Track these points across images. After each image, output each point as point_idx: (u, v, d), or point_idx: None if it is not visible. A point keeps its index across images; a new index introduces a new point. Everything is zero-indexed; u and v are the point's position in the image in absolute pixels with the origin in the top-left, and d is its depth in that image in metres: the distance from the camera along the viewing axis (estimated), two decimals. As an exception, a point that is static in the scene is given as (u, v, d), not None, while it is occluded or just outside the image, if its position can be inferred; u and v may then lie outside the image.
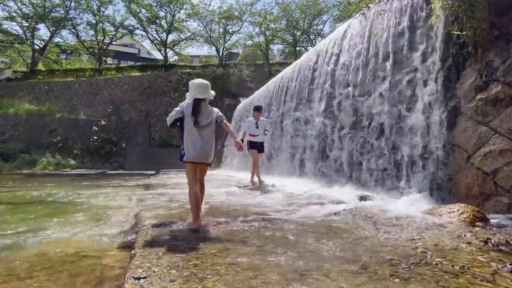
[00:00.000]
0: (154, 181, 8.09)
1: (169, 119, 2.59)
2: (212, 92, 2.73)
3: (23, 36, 22.06)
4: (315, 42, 29.49)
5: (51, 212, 3.72)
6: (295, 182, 5.56)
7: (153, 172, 13.87)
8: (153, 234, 2.18)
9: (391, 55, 4.18)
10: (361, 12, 3.23)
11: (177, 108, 2.59)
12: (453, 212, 2.44)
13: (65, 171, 12.85)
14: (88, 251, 2.07)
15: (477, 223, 2.26)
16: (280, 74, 8.76)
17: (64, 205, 4.26)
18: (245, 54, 31.37)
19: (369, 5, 3.21)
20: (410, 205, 3.10)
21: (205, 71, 23.00)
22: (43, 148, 15.94)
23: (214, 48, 27.51)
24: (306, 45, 30.19)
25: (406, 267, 1.46)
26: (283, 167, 7.03)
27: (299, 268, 1.46)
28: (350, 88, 4.98)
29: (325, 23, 28.48)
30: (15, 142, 15.65)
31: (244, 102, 13.02)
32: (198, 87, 2.58)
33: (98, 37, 23.54)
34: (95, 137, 17.26)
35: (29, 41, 22.23)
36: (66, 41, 25.32)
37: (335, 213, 2.86)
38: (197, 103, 2.55)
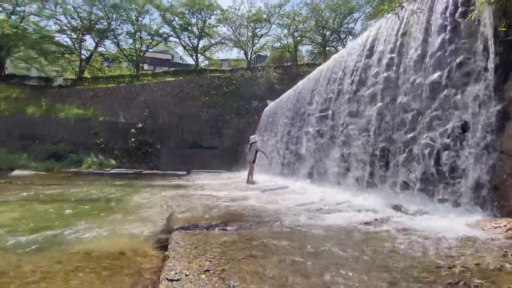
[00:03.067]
0: (185, 182, 8.46)
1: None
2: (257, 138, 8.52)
3: (72, 47, 24.38)
4: (345, 41, 28.58)
5: (92, 211, 4.07)
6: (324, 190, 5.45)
7: (184, 172, 14.50)
8: (185, 237, 2.30)
9: (429, 55, 3.94)
10: (394, 12, 3.07)
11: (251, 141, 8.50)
12: (499, 227, 2.24)
13: (107, 170, 13.93)
14: (127, 250, 2.25)
15: (528, 241, 2.04)
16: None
17: (104, 203, 4.63)
18: (272, 57, 31.42)
19: (403, 4, 3.04)
20: (448, 216, 2.89)
21: (233, 75, 23.49)
22: (88, 149, 17.45)
23: (242, 51, 28.00)
24: (336, 44, 29.42)
25: (441, 287, 1.38)
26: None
27: (327, 281, 1.46)
28: (378, 90, 4.77)
29: (357, 21, 27.48)
30: (65, 144, 17.36)
31: (271, 105, 13.05)
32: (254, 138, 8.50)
33: (136, 45, 25.18)
34: (133, 139, 18.49)
35: (77, 51, 24.51)
36: (109, 50, 27.49)
37: (365, 223, 2.77)
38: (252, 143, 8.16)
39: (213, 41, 26.62)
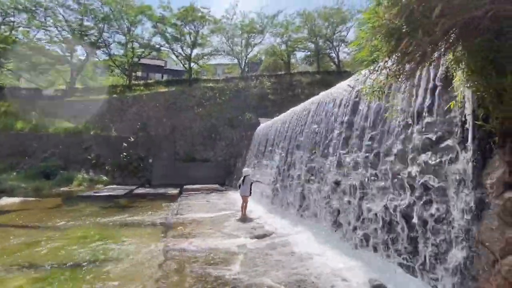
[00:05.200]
0: (174, 217, 8.25)
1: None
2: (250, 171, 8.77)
3: (62, 57, 24.04)
4: (338, 49, 28.74)
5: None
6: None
7: (176, 191, 14.32)
8: None
9: (410, 131, 3.93)
10: (376, 96, 3.03)
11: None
12: None
13: (96, 192, 13.64)
14: None
15: None
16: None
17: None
18: (266, 64, 31.41)
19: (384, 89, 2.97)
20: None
21: (227, 85, 23.41)
22: (78, 164, 17.18)
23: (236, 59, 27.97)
24: (329, 52, 29.54)
25: None
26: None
27: None
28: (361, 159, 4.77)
29: (349, 29, 27.59)
30: (55, 160, 17.08)
31: (264, 125, 13.00)
32: (247, 171, 8.44)
33: (128, 55, 24.93)
34: (125, 153, 18.29)
35: (68, 62, 24.18)
36: (100, 59, 27.16)
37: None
38: (245, 176, 8.23)
39: (206, 51, 26.51)
